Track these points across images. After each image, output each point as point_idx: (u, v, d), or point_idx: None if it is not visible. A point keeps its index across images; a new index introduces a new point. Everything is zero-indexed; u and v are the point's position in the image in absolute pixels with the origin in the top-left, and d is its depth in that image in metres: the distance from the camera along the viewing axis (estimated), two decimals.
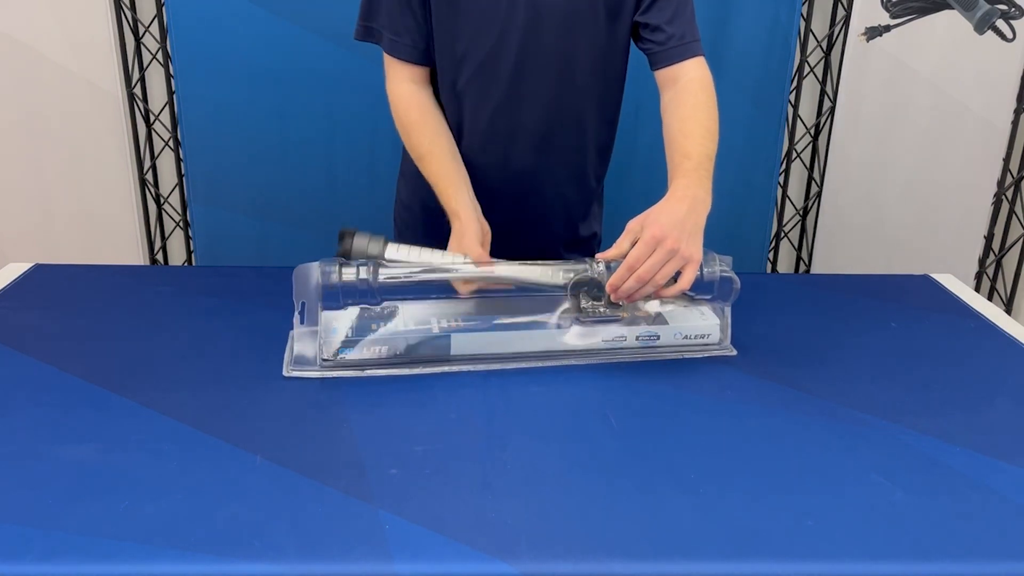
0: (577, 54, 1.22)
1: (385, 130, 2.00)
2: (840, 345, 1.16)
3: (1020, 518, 0.80)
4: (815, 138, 2.31)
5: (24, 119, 2.15)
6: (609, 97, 1.31)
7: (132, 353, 1.07)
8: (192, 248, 2.30)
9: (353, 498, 0.79)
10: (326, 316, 1.06)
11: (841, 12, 2.16)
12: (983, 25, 2.07)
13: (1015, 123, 2.22)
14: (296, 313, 1.10)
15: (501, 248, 1.37)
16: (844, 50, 2.15)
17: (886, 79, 2.14)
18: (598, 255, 1.08)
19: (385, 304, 1.09)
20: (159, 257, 2.37)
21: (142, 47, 2.16)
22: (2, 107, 2.14)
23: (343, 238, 1.10)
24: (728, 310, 1.13)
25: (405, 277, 1.07)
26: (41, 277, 1.31)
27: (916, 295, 1.36)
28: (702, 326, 1.12)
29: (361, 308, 1.07)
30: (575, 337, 1.09)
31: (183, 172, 2.22)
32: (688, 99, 1.20)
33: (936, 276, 1.43)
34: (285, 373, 1.03)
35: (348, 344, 1.04)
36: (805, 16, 2.16)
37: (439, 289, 1.11)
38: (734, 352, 1.12)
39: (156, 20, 2.13)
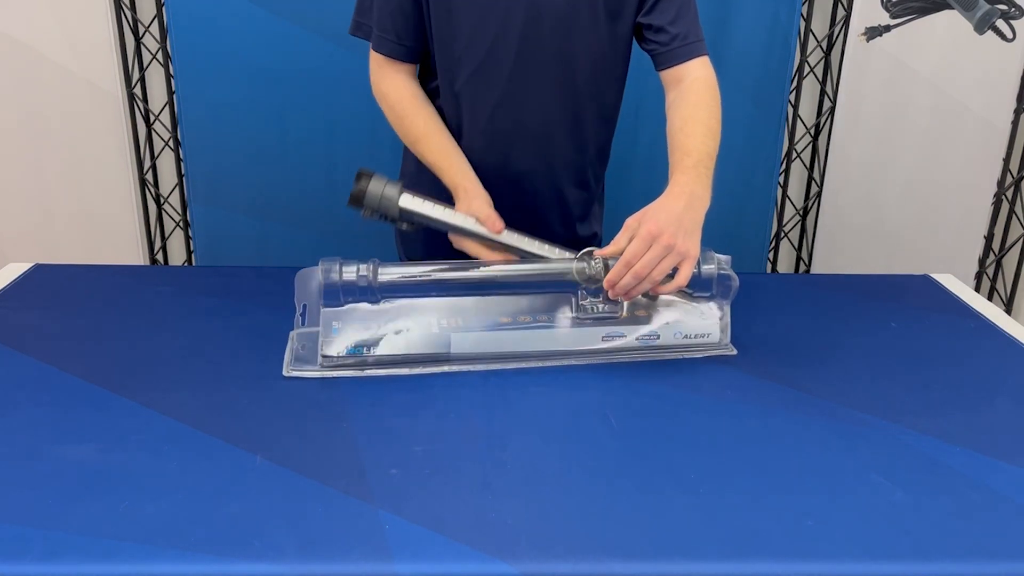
0: (576, 54, 1.22)
1: (385, 130, 2.00)
2: (840, 345, 1.16)
3: (1020, 518, 0.80)
4: (815, 138, 2.31)
5: (24, 119, 2.15)
6: (609, 97, 1.31)
7: (132, 353, 1.07)
8: (192, 248, 2.30)
9: (353, 498, 0.79)
10: (326, 315, 1.06)
11: (841, 12, 2.16)
12: (983, 25, 2.07)
13: (1015, 123, 2.22)
14: (297, 315, 1.10)
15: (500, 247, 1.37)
16: (844, 50, 2.15)
17: (886, 79, 2.14)
18: (596, 252, 1.09)
19: (385, 303, 1.09)
20: (159, 257, 2.37)
21: (142, 47, 2.16)
22: (2, 107, 2.14)
23: (360, 178, 1.10)
24: (727, 309, 1.13)
25: (405, 277, 1.07)
26: (41, 277, 1.31)
27: (916, 295, 1.36)
28: (702, 326, 1.12)
29: (361, 308, 1.07)
30: (575, 337, 1.09)
31: (183, 172, 2.22)
32: (691, 98, 1.21)
33: (936, 276, 1.43)
34: (285, 373, 1.03)
35: (348, 344, 1.04)
36: (805, 16, 2.16)
37: (439, 289, 1.11)
38: (734, 352, 1.12)
39: (156, 20, 2.12)
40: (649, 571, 0.72)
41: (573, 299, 1.11)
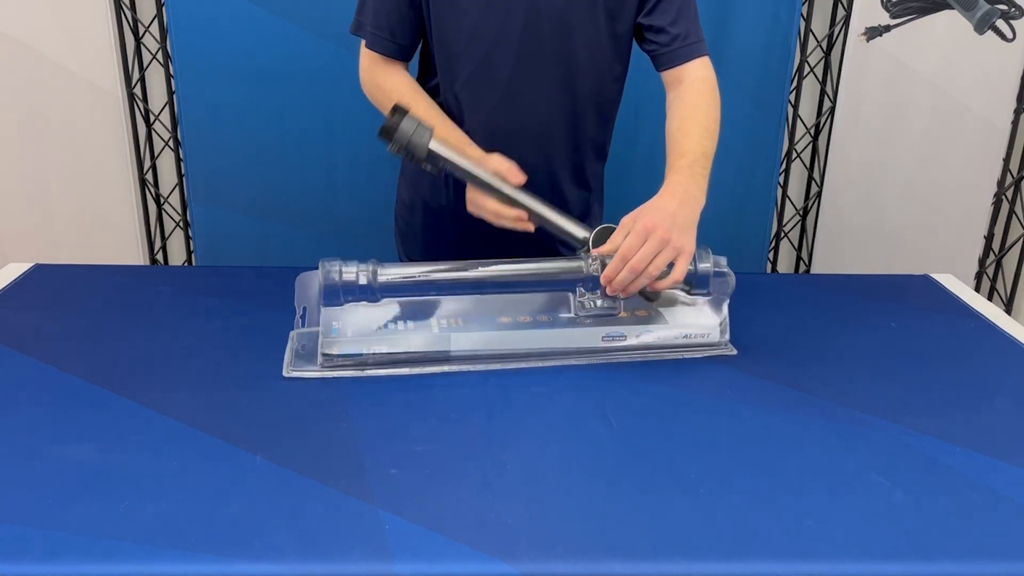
0: (576, 54, 1.22)
1: None
2: (840, 345, 1.16)
3: (1020, 518, 0.80)
4: (815, 138, 2.31)
5: (24, 119, 2.15)
6: (608, 96, 1.31)
7: (132, 353, 1.07)
8: (192, 248, 2.30)
9: (353, 498, 0.79)
10: (326, 315, 1.06)
11: (841, 12, 2.16)
12: (983, 25, 2.07)
13: (1015, 123, 2.22)
14: (297, 317, 1.11)
15: (500, 247, 1.37)
16: (844, 50, 2.15)
17: (886, 79, 2.14)
18: (593, 251, 1.09)
19: (385, 303, 1.09)
20: (159, 257, 2.37)
21: (142, 47, 2.16)
22: (2, 107, 2.14)
23: (394, 112, 1.11)
24: (726, 308, 1.13)
25: (404, 277, 1.07)
26: (41, 277, 1.31)
27: (916, 295, 1.36)
28: (702, 326, 1.12)
29: (361, 308, 1.07)
30: (575, 337, 1.09)
31: (183, 172, 2.22)
32: (689, 98, 1.22)
33: (936, 276, 1.43)
34: (285, 373, 1.03)
35: (348, 344, 1.04)
36: (805, 16, 2.16)
37: (438, 289, 1.11)
38: (734, 352, 1.12)
39: (156, 20, 2.13)
40: (649, 571, 0.72)
41: (572, 297, 1.11)
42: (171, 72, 2.15)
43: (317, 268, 1.06)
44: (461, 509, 0.79)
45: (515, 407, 0.98)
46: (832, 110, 2.23)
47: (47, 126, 2.16)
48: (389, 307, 1.09)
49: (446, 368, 1.05)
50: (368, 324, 1.06)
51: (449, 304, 1.11)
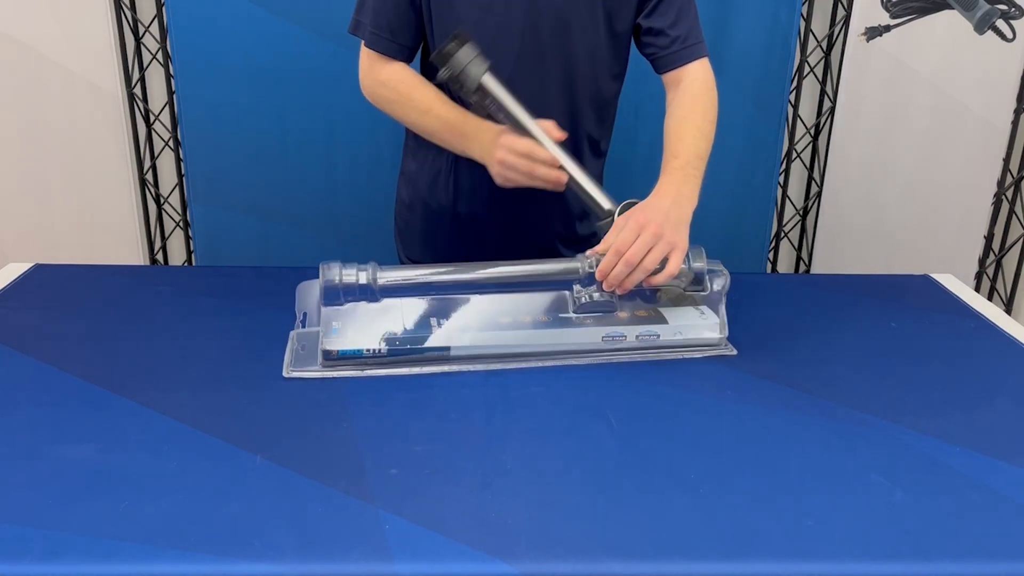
0: (575, 53, 1.22)
1: (385, 130, 2.02)
2: (840, 345, 1.16)
3: (1020, 518, 0.80)
4: (815, 138, 2.31)
5: (24, 119, 2.15)
6: (607, 94, 1.31)
7: (132, 353, 1.07)
8: (192, 248, 2.30)
9: (353, 498, 0.79)
10: (326, 315, 1.06)
11: (841, 12, 2.16)
12: (983, 25, 2.07)
13: (1015, 123, 2.22)
14: (297, 322, 1.11)
15: (500, 246, 1.37)
16: (844, 50, 2.15)
17: (886, 79, 2.14)
18: (588, 252, 1.10)
19: (385, 303, 1.09)
20: (159, 257, 2.37)
21: (142, 47, 2.16)
22: (2, 107, 2.14)
23: (455, 38, 1.11)
24: (723, 307, 1.13)
25: (404, 281, 1.08)
26: (41, 277, 1.31)
27: (916, 295, 1.36)
28: (702, 325, 1.12)
29: (361, 307, 1.07)
30: (575, 337, 1.09)
31: (183, 172, 2.22)
32: (686, 100, 1.23)
33: (936, 276, 1.43)
34: (285, 374, 1.03)
35: (348, 343, 1.04)
36: (805, 16, 2.16)
37: (438, 290, 1.11)
38: (734, 352, 1.12)
39: (156, 20, 2.13)
40: (649, 571, 0.72)
41: (569, 295, 1.12)
42: (171, 72, 2.15)
43: (317, 272, 1.07)
44: (461, 509, 0.79)
45: (515, 407, 0.98)
46: (832, 110, 2.23)
47: (47, 126, 2.16)
48: (389, 307, 1.09)
49: (446, 368, 1.05)
50: (368, 324, 1.06)
51: (449, 304, 1.11)
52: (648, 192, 1.14)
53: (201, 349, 1.09)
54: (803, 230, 2.41)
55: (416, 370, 1.04)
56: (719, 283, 1.12)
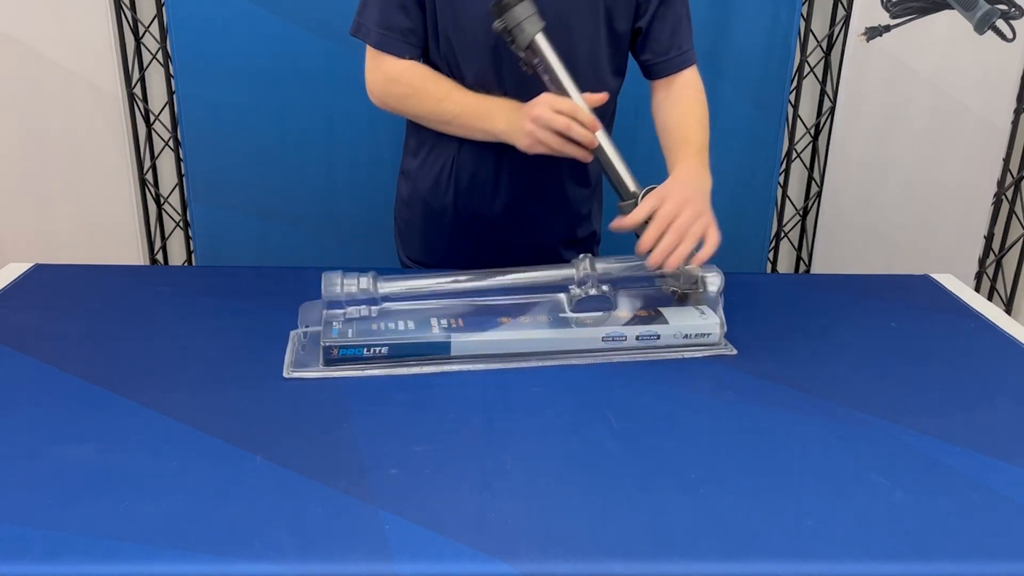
0: (577, 54, 1.23)
1: (385, 130, 2.02)
2: (840, 345, 1.16)
3: (1020, 518, 0.80)
4: (815, 138, 2.31)
5: (24, 119, 2.16)
6: (608, 93, 1.31)
7: (132, 353, 1.07)
8: (192, 248, 2.30)
9: (353, 498, 0.79)
10: (326, 315, 1.06)
11: (841, 12, 2.16)
12: (983, 25, 2.07)
13: (1015, 123, 2.22)
14: (300, 329, 1.11)
15: (500, 246, 1.37)
16: (844, 50, 2.15)
17: (886, 79, 2.14)
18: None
19: (386, 304, 1.09)
20: (159, 257, 2.37)
21: (142, 47, 2.16)
22: (2, 107, 2.14)
23: None
24: (720, 307, 1.13)
25: (404, 291, 1.09)
26: (41, 277, 1.31)
27: (916, 295, 1.36)
28: (702, 325, 1.12)
29: (361, 308, 1.07)
30: (575, 337, 1.09)
31: (183, 172, 2.22)
32: (686, 95, 1.28)
33: (936, 276, 1.43)
34: (285, 374, 1.03)
35: (348, 343, 1.04)
36: (805, 16, 2.16)
37: (439, 293, 1.11)
38: (734, 352, 1.12)
39: (156, 20, 2.13)
40: (649, 571, 0.72)
41: (565, 296, 1.13)
42: (171, 72, 2.15)
43: (317, 272, 1.07)
44: (461, 509, 0.79)
45: (515, 407, 0.98)
46: (832, 110, 2.23)
47: (47, 126, 2.17)
48: (389, 308, 1.09)
49: (446, 368, 1.05)
50: (368, 324, 1.07)
51: (449, 305, 1.12)
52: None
53: (201, 349, 1.09)
54: (803, 230, 2.41)
55: (416, 370, 1.05)
56: (715, 283, 1.13)
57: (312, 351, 1.06)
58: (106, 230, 2.28)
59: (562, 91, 1.14)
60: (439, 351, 1.06)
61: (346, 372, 1.03)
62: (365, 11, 1.23)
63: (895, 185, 2.25)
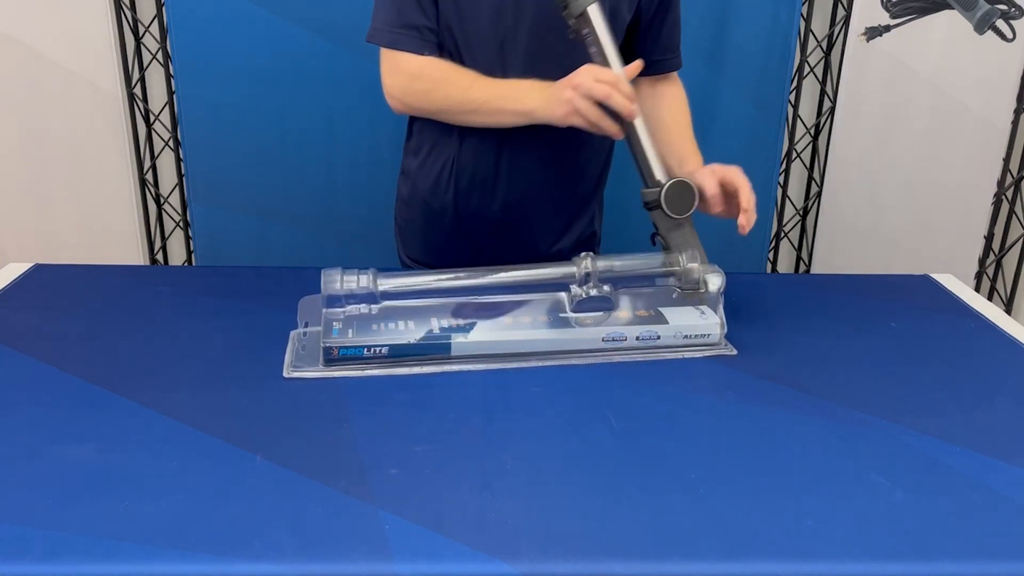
0: (581, 47, 1.23)
1: (385, 130, 2.02)
2: (840, 345, 1.16)
3: (1020, 518, 0.80)
4: (815, 138, 2.31)
5: (24, 119, 2.16)
6: None
7: (132, 353, 1.07)
8: (192, 248, 2.30)
9: (353, 498, 0.79)
10: (326, 315, 1.06)
11: (841, 12, 2.16)
12: (983, 25, 2.07)
13: (1015, 123, 2.22)
14: (300, 329, 1.11)
15: (500, 246, 1.37)
16: (844, 50, 2.15)
17: (886, 79, 2.14)
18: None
19: (385, 304, 1.09)
20: (159, 257, 2.37)
21: (142, 47, 2.16)
22: (2, 107, 2.14)
23: None
24: (720, 307, 1.13)
25: (404, 287, 1.08)
26: (41, 277, 1.31)
27: (916, 295, 1.36)
28: (702, 325, 1.12)
29: (361, 308, 1.07)
30: (575, 337, 1.09)
31: (183, 172, 2.22)
32: (677, 94, 1.35)
33: (936, 276, 1.43)
34: (285, 374, 1.03)
35: (348, 343, 1.04)
36: (805, 16, 2.16)
37: (440, 292, 1.12)
38: (734, 352, 1.12)
39: (156, 20, 2.13)
40: (649, 571, 0.72)
41: (566, 295, 1.13)
42: (171, 72, 2.15)
43: (317, 272, 1.07)
44: (461, 509, 0.79)
45: (515, 407, 0.98)
46: (832, 110, 2.23)
47: (47, 126, 2.17)
48: (390, 307, 1.09)
49: (446, 368, 1.05)
50: (368, 324, 1.07)
51: (449, 305, 1.12)
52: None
53: (201, 349, 1.09)
54: (803, 230, 2.41)
55: (416, 370, 1.05)
56: (715, 283, 1.13)
57: (312, 351, 1.06)
58: (106, 230, 2.27)
59: (605, 64, 1.14)
60: (439, 351, 1.06)
61: (346, 372, 1.03)
62: (379, 15, 1.22)
63: (895, 185, 2.25)
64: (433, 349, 1.06)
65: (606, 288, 1.11)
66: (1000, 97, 2.15)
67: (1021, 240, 2.35)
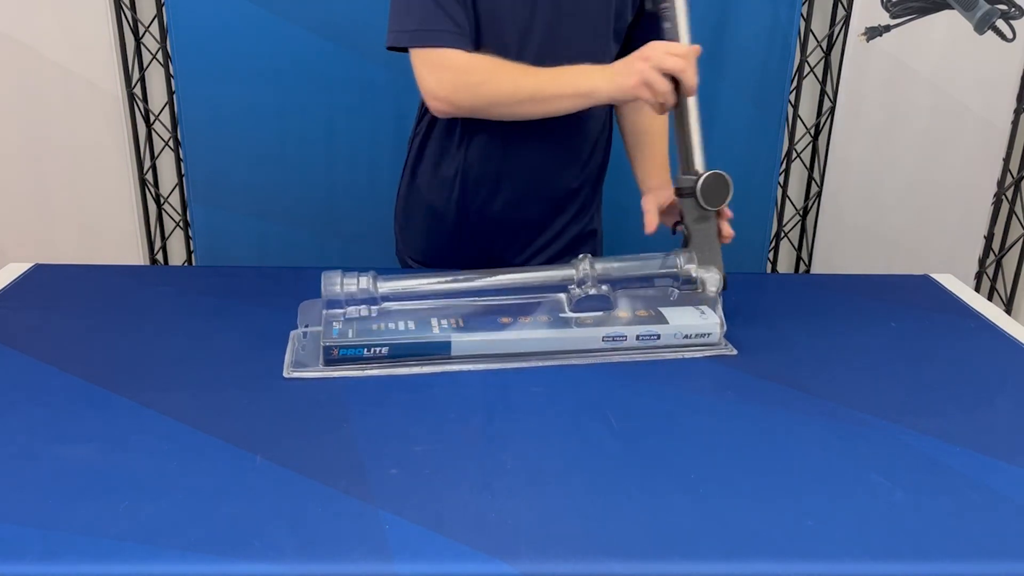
0: (585, 43, 1.24)
1: (385, 131, 2.02)
2: (840, 345, 1.16)
3: (1020, 518, 0.80)
4: (815, 138, 2.31)
5: (24, 119, 2.16)
6: None
7: (132, 353, 1.07)
8: (192, 248, 2.30)
9: (353, 498, 0.79)
10: (326, 316, 1.06)
11: (841, 12, 2.16)
12: (983, 25, 2.07)
13: (1015, 123, 2.22)
14: (300, 329, 1.11)
15: (502, 246, 1.37)
16: (844, 50, 2.15)
17: (886, 79, 2.14)
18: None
19: (386, 304, 1.09)
20: (159, 257, 2.37)
21: (142, 47, 2.16)
22: (2, 107, 2.14)
23: None
24: (720, 307, 1.13)
25: (404, 290, 1.09)
26: (41, 277, 1.31)
27: (916, 295, 1.36)
28: (702, 325, 1.12)
29: (361, 308, 1.07)
30: (575, 337, 1.09)
31: (183, 172, 2.22)
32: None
33: (936, 276, 1.43)
34: (285, 374, 1.03)
35: (348, 343, 1.04)
36: (805, 16, 2.16)
37: (439, 295, 1.12)
38: (734, 352, 1.12)
39: (156, 20, 2.13)
40: (649, 571, 0.72)
41: (565, 295, 1.13)
42: (171, 72, 2.15)
43: (317, 273, 1.07)
44: (461, 509, 0.79)
45: (515, 407, 0.98)
46: (832, 110, 2.23)
47: (47, 126, 2.17)
48: (390, 308, 1.09)
49: (446, 368, 1.05)
50: (368, 324, 1.07)
51: (449, 305, 1.12)
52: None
53: (201, 349, 1.09)
54: (803, 230, 2.41)
55: (416, 370, 1.05)
56: (713, 283, 1.13)
57: (312, 351, 1.06)
58: (106, 230, 2.27)
59: (676, 39, 1.14)
60: (439, 351, 1.06)
61: (346, 372, 1.03)
62: (412, 15, 1.17)
63: (895, 185, 2.25)
64: (433, 349, 1.06)
65: (605, 288, 1.12)
66: (1000, 97, 2.15)
67: (1021, 240, 2.35)
